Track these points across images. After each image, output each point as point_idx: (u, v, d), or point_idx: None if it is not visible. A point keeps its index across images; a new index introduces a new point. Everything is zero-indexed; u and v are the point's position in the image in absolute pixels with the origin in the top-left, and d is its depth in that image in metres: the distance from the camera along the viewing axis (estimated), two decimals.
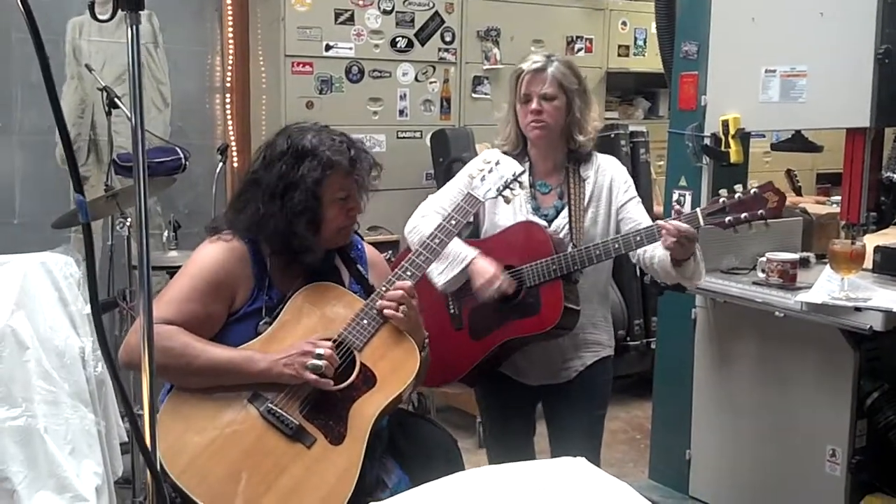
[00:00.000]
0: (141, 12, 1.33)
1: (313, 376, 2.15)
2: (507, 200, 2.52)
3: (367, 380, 2.23)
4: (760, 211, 2.48)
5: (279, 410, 2.18)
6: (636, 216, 2.75)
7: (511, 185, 2.48)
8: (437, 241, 2.41)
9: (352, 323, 2.28)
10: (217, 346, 2.21)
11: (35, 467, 2.66)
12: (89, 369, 2.89)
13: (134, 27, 1.27)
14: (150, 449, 1.34)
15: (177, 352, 2.13)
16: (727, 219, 2.50)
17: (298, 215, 2.24)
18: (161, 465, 1.87)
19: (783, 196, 2.51)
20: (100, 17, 1.28)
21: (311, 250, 2.28)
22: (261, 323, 2.27)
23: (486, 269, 2.60)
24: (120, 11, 1.26)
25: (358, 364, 2.24)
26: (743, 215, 2.49)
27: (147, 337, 1.39)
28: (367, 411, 2.20)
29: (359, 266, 2.47)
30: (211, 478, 2.10)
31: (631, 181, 2.85)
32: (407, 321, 2.29)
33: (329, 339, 2.25)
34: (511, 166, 2.51)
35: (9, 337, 2.69)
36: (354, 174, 2.29)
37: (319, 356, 2.16)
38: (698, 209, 2.55)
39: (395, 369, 2.26)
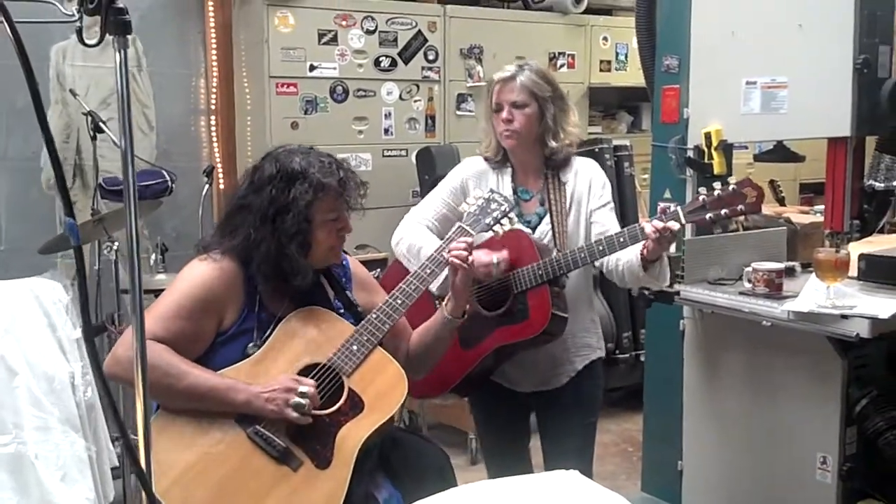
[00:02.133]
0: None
1: (295, 414, 2.16)
2: (497, 234, 2.54)
3: (355, 405, 2.24)
4: (740, 206, 2.51)
5: (266, 432, 2.18)
6: (606, 222, 2.77)
7: (501, 221, 2.51)
8: (427, 270, 2.43)
9: (341, 348, 2.28)
10: (202, 371, 2.20)
11: (27, 494, 2.65)
12: (79, 394, 2.89)
13: (122, 51, 1.28)
14: (144, 471, 1.34)
15: (161, 371, 2.12)
16: (708, 216, 2.53)
17: (291, 238, 2.25)
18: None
19: (761, 191, 2.53)
20: (88, 41, 1.29)
21: (300, 272, 2.28)
22: (250, 345, 2.27)
23: (481, 256, 2.59)
24: (107, 36, 1.27)
25: (346, 389, 2.25)
26: (723, 211, 2.51)
27: (140, 360, 1.39)
28: (354, 437, 2.20)
29: (344, 285, 2.48)
30: (195, 498, 2.10)
31: (608, 185, 2.87)
32: (467, 273, 2.40)
33: (317, 364, 2.26)
34: (503, 202, 2.54)
35: None
36: (344, 195, 2.31)
37: (303, 394, 2.16)
38: (679, 208, 2.57)
39: (382, 395, 2.26)
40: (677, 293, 3.15)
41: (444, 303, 2.49)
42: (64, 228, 3.93)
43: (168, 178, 4.05)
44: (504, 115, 2.74)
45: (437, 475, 2.33)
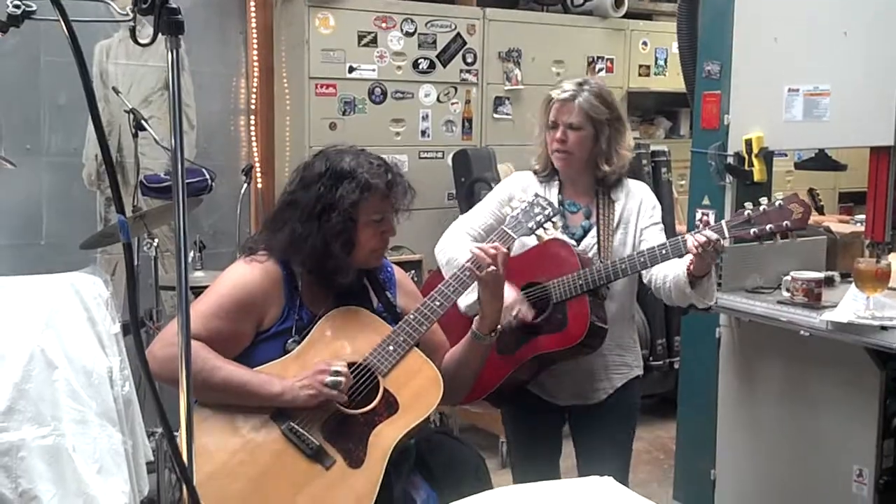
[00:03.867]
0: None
1: (334, 392, 2.17)
2: (540, 239, 2.53)
3: (390, 406, 2.25)
4: (786, 222, 2.46)
5: (301, 430, 2.19)
6: (654, 241, 2.74)
7: (545, 225, 2.50)
8: (467, 273, 2.41)
9: (378, 348, 2.29)
10: (237, 366, 2.22)
11: (63, 486, 2.68)
12: (117, 389, 2.92)
13: (174, 51, 1.29)
14: (186, 466, 1.36)
15: (196, 367, 2.13)
16: (752, 231, 2.48)
17: (335, 236, 2.27)
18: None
19: (808, 207, 2.48)
20: (141, 41, 1.31)
21: (344, 271, 2.31)
22: (289, 341, 2.29)
23: (506, 296, 2.55)
24: (161, 35, 1.28)
25: (381, 389, 2.25)
26: (768, 227, 2.47)
27: (185, 357, 1.41)
28: (387, 437, 2.20)
29: (387, 291, 2.48)
30: (228, 492, 2.12)
31: (658, 207, 2.85)
32: (489, 280, 2.34)
33: (354, 363, 2.27)
34: (546, 206, 2.53)
35: (38, 356, 2.72)
36: (391, 197, 2.32)
37: (336, 373, 2.18)
38: (723, 222, 2.54)
39: (417, 397, 2.27)
40: (714, 301, 3.13)
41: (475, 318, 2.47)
42: (110, 225, 3.97)
43: (208, 176, 4.09)
44: (558, 135, 2.73)
45: (473, 477, 2.33)
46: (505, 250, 2.39)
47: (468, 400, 2.96)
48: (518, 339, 2.69)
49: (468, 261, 2.40)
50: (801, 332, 2.95)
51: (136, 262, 3.97)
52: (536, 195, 2.61)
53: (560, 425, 2.95)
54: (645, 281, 2.75)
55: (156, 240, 3.63)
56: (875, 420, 2.96)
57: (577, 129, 2.73)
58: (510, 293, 2.59)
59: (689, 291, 2.59)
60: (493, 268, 2.34)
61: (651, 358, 4.81)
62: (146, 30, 1.40)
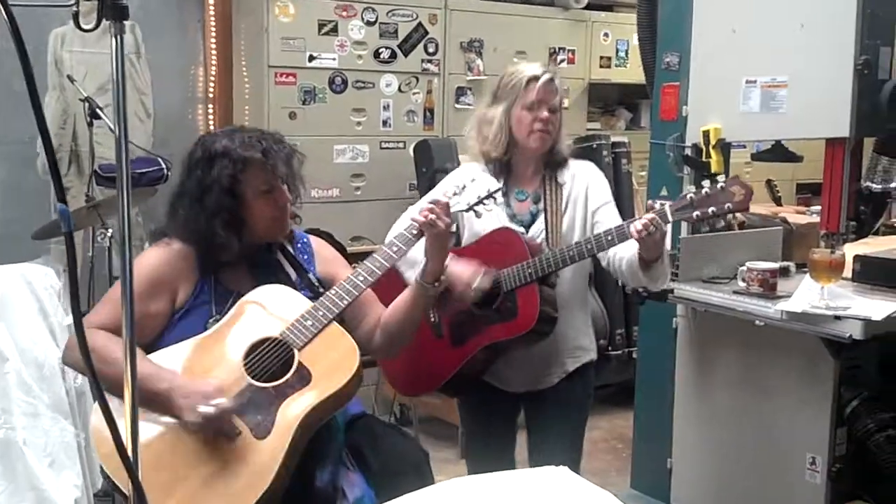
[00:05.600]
0: (124, 23, 1.33)
1: (199, 421, 2.14)
2: (479, 215, 2.53)
3: (302, 378, 2.22)
4: (727, 204, 2.48)
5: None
6: (607, 221, 2.76)
7: (484, 202, 2.49)
8: (394, 247, 2.39)
9: (296, 323, 2.28)
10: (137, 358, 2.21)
11: (14, 480, 2.65)
12: (69, 381, 2.89)
13: (118, 37, 1.27)
14: (131, 459, 1.34)
15: (98, 359, 2.10)
16: (695, 213, 2.51)
17: (214, 215, 2.29)
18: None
19: (750, 189, 2.51)
20: (84, 26, 1.28)
21: (226, 249, 2.32)
22: (210, 320, 2.30)
23: (463, 271, 2.57)
24: (104, 21, 1.26)
25: (296, 362, 2.24)
26: (710, 209, 2.49)
27: (130, 348, 1.39)
28: (296, 409, 2.19)
29: (304, 263, 2.49)
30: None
31: (607, 185, 2.87)
32: (435, 231, 2.35)
33: (269, 338, 2.26)
34: (485, 184, 2.52)
35: None
36: (269, 164, 2.32)
37: (214, 406, 2.14)
38: (667, 205, 2.55)
39: (332, 369, 2.24)
40: (671, 291, 3.15)
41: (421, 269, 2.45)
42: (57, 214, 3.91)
43: (164, 165, 4.05)
44: (544, 114, 2.73)
45: (414, 473, 2.30)
46: (444, 202, 2.40)
47: (423, 390, 2.96)
48: (470, 329, 2.71)
49: (405, 229, 2.40)
50: (757, 322, 2.97)
51: (90, 252, 3.93)
52: (478, 174, 2.59)
53: (514, 414, 2.96)
54: (603, 264, 2.75)
55: (110, 230, 3.59)
56: (829, 409, 2.99)
57: (557, 110, 2.76)
58: (467, 267, 2.57)
59: (641, 275, 2.61)
60: (432, 215, 2.36)
61: (610, 347, 4.81)
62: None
